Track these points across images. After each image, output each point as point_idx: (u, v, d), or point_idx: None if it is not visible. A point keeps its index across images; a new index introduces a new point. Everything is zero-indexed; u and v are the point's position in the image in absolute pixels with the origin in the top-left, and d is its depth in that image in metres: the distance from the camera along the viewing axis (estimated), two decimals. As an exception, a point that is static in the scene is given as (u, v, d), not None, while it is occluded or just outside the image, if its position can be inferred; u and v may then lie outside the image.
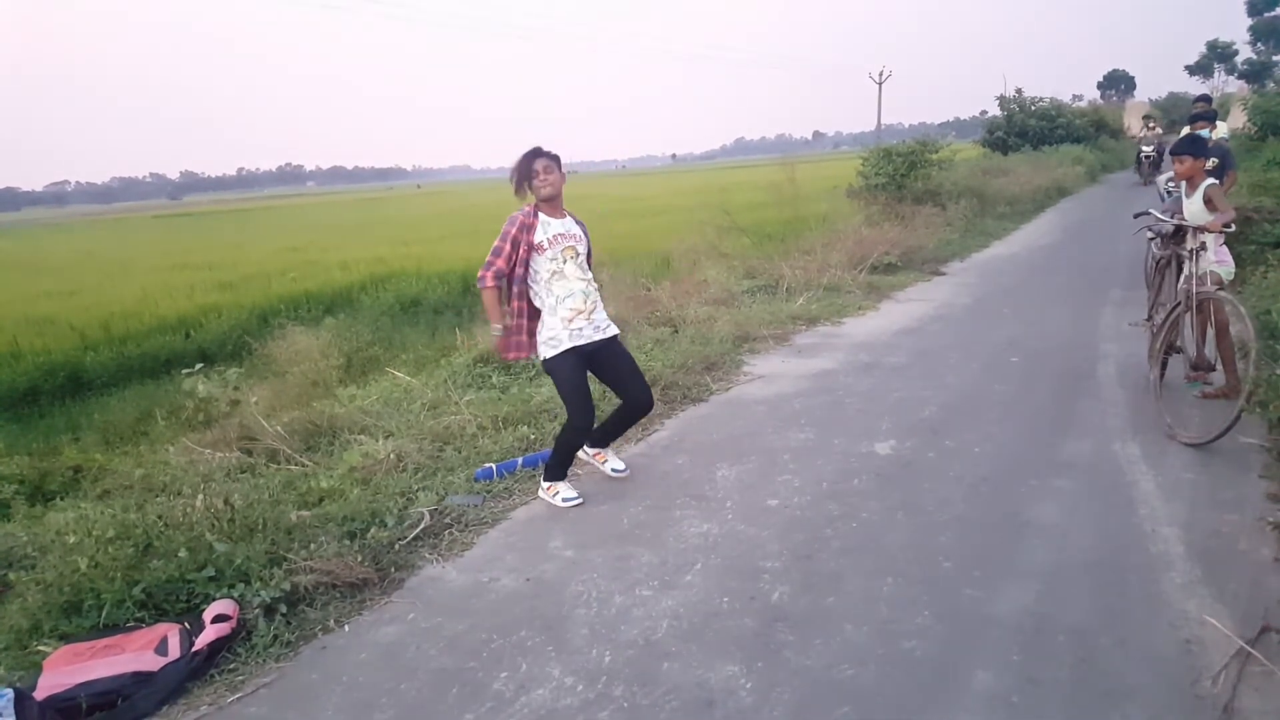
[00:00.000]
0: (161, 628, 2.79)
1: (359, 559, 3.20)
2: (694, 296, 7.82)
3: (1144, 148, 19.45)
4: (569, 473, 3.94)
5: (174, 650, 2.66)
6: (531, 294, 3.72)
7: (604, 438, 4.07)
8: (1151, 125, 20.66)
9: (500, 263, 3.65)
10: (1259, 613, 2.56)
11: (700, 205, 17.62)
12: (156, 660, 2.62)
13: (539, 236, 3.64)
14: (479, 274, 3.68)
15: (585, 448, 4.06)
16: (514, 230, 3.63)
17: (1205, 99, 9.18)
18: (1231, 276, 4.73)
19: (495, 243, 3.65)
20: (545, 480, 3.89)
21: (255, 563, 3.08)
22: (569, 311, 3.65)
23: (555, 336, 3.65)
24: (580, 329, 3.67)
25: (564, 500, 3.80)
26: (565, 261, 3.67)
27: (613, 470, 4.09)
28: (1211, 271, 4.37)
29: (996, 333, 6.59)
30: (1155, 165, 18.63)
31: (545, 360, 3.72)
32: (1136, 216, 5.16)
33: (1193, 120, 7.82)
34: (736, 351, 6.32)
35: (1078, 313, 7.10)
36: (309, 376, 6.16)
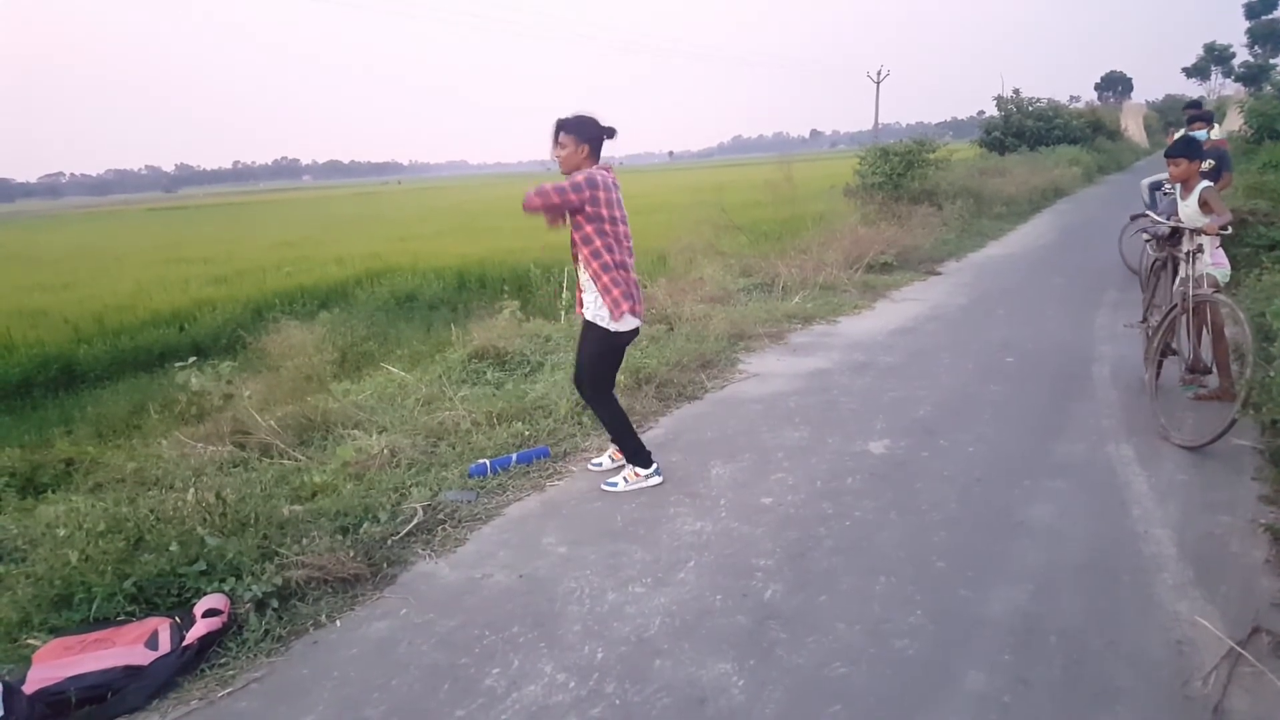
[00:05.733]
0: (152, 622, 2.78)
1: (351, 554, 3.18)
2: (690, 294, 7.81)
3: None
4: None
5: (164, 644, 2.65)
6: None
7: None
8: None
9: None
10: (1250, 614, 2.57)
11: (697, 203, 17.61)
12: (147, 654, 2.61)
13: None
14: None
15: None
16: None
17: (1195, 104, 9.17)
18: (1227, 279, 4.74)
19: None
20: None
21: (247, 557, 3.07)
22: None
23: None
24: None
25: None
26: None
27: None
28: (1207, 274, 4.37)
29: (992, 333, 6.60)
30: None
31: None
32: (1133, 219, 5.17)
33: (1190, 121, 7.83)
34: (732, 350, 6.31)
35: (1073, 314, 7.11)
36: (303, 371, 6.14)
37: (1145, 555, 3.01)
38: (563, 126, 3.62)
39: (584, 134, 3.61)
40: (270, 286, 13.48)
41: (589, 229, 3.58)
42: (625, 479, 3.90)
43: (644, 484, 3.89)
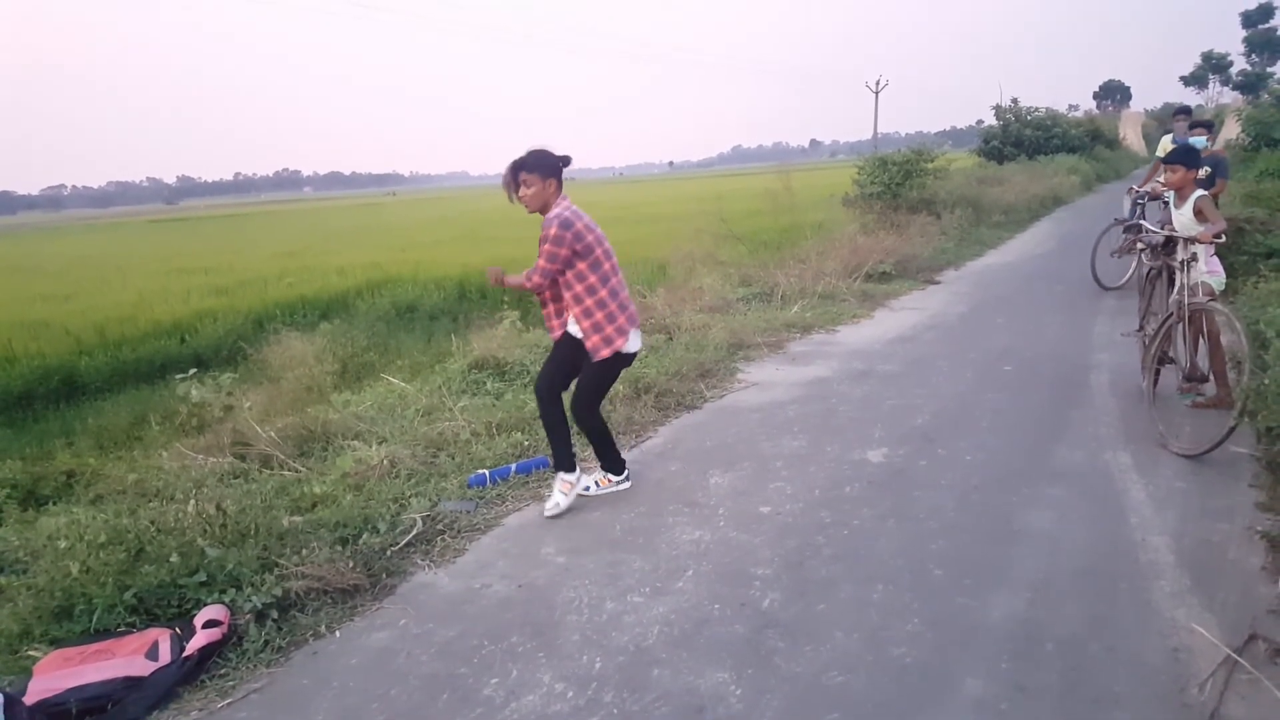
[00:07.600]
0: (152, 633, 2.78)
1: (351, 565, 3.19)
2: (689, 304, 7.83)
3: None
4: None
5: (165, 655, 2.66)
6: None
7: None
8: None
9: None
10: (1247, 621, 2.58)
11: (697, 213, 17.66)
12: (147, 665, 2.61)
13: None
14: None
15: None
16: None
17: (1186, 110, 9.18)
18: (1223, 287, 4.76)
19: None
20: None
21: (247, 568, 3.08)
22: None
23: None
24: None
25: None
26: None
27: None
28: (1203, 282, 4.39)
29: (990, 341, 6.62)
30: None
31: None
32: (1126, 229, 5.19)
33: (1192, 126, 7.84)
34: (731, 359, 6.33)
35: (1071, 322, 7.13)
36: (303, 382, 6.15)
37: (1143, 562, 3.02)
38: (521, 166, 3.53)
39: (546, 169, 3.54)
40: (271, 297, 13.52)
41: (582, 266, 3.57)
42: (562, 491, 3.82)
43: (575, 494, 3.86)
